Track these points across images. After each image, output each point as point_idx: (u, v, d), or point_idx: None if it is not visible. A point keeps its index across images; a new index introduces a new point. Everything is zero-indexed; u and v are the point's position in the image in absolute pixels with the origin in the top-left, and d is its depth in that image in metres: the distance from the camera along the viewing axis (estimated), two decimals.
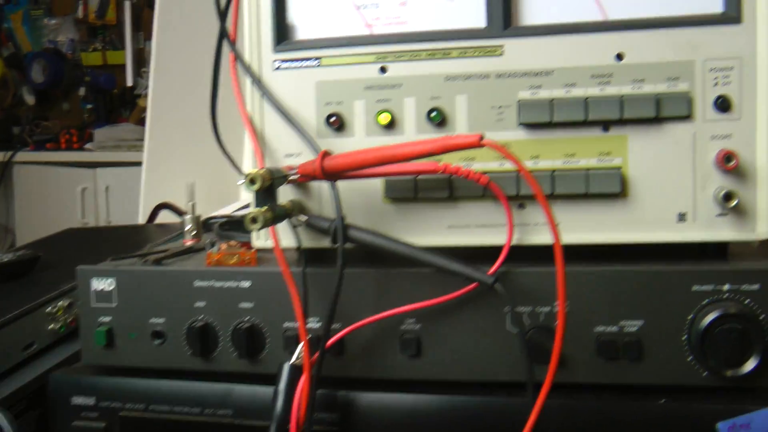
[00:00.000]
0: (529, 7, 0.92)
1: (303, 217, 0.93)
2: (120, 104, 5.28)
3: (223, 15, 0.97)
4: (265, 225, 0.86)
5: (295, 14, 0.97)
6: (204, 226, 1.35)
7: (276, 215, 0.88)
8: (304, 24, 0.98)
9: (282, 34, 0.97)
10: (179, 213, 2.01)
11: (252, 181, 0.86)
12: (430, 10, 0.94)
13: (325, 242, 0.93)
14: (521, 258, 0.90)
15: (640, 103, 0.89)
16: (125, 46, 5.15)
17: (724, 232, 0.89)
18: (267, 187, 0.88)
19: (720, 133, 0.89)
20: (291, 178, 0.92)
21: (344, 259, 0.88)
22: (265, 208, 0.87)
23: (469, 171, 0.87)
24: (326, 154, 0.90)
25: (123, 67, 5.19)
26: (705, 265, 0.88)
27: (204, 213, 1.32)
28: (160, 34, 2.61)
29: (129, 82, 5.14)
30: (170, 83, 2.64)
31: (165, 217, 2.09)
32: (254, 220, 0.86)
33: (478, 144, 0.83)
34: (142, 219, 2.31)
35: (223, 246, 0.96)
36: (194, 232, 1.20)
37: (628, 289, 0.89)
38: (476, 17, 0.93)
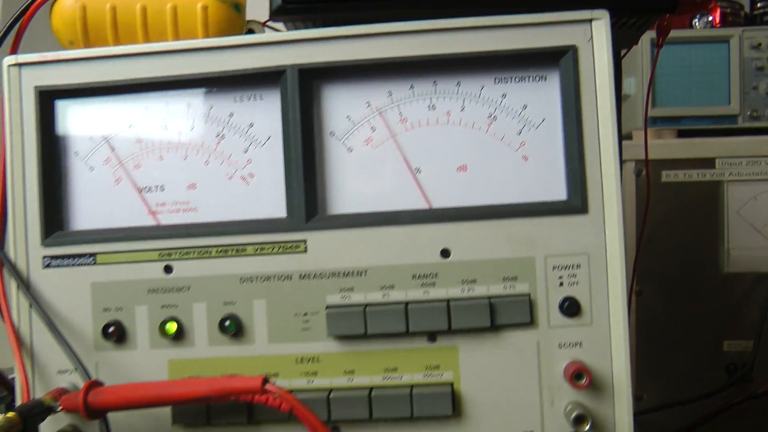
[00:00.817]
0: (338, 193, 0.75)
1: None
2: None
3: None
4: None
5: (68, 199, 0.77)
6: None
7: None
8: (79, 211, 0.77)
9: (52, 223, 0.78)
10: None
11: None
12: (222, 196, 0.76)
13: None
14: None
15: (471, 309, 0.72)
16: None
17: None
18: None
19: (568, 340, 0.72)
20: (56, 411, 0.71)
21: None
22: None
23: (268, 396, 0.67)
24: (94, 385, 0.70)
25: None
26: None
27: None
28: None
29: None
30: None
31: None
32: None
33: (261, 390, 0.64)
34: None
35: None
36: None
37: None
38: (276, 205, 0.74)
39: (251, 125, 0.77)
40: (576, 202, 0.73)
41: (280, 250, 0.75)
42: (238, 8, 0.81)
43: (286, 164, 0.75)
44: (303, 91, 0.75)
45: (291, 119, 0.75)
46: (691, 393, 1.32)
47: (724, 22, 1.65)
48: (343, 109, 0.76)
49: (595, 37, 0.73)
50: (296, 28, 0.81)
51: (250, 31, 1.03)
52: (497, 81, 0.75)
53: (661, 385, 1.36)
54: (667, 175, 1.38)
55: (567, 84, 0.73)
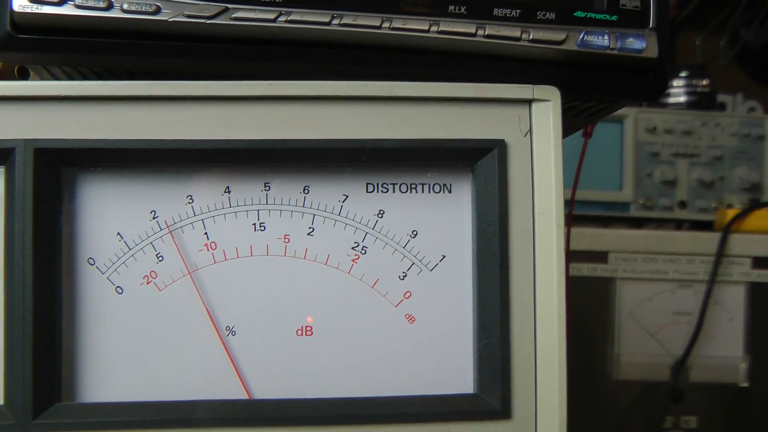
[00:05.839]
0: (96, 367, 0.42)
1: None
2: None
3: None
4: None
5: None
6: None
7: None
8: None
9: None
10: None
11: None
12: None
13: None
14: None
15: None
16: None
17: None
18: None
19: None
20: None
21: None
22: None
23: None
24: None
25: None
26: None
27: None
28: None
29: None
30: None
31: None
32: None
33: None
34: None
35: None
36: None
37: None
38: None
39: None
40: (491, 400, 0.38)
41: None
42: None
43: (7, 312, 0.38)
44: (41, 185, 0.38)
45: (18, 231, 0.38)
46: None
47: None
48: (112, 220, 0.40)
49: (536, 128, 0.38)
50: (56, 78, 0.44)
51: (24, 74, 0.64)
52: (370, 189, 0.40)
53: None
54: None
55: (485, 201, 0.39)
